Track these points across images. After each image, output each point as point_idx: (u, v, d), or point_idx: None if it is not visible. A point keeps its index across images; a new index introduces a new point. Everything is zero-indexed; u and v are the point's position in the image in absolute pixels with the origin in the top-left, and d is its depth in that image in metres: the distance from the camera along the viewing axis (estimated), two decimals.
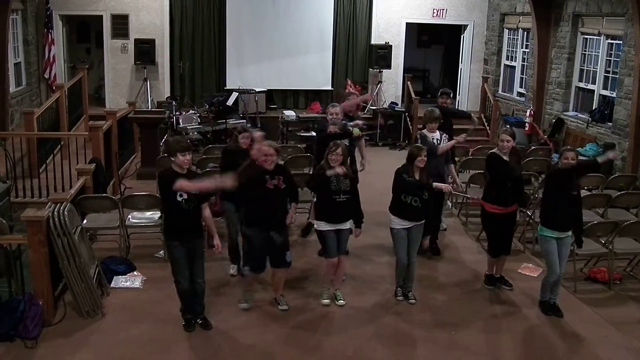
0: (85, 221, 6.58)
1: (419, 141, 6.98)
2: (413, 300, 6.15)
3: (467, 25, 14.47)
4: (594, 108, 10.77)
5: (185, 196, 5.20)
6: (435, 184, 5.93)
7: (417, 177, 5.87)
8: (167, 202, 5.37)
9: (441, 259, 7.24)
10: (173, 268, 5.43)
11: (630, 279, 6.89)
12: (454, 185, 7.29)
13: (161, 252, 6.91)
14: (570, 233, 5.90)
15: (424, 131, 7.10)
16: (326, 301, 6.02)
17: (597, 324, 5.89)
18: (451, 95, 8.15)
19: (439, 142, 7.01)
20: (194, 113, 11.76)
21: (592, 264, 7.02)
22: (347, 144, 6.55)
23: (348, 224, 5.93)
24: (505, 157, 6.18)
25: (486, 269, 6.63)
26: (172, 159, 5.30)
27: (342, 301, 6.04)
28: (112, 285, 6.19)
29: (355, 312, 5.93)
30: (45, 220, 5.29)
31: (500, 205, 6.21)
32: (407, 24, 14.22)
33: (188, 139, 10.23)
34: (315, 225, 6.03)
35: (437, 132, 7.07)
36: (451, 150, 7.29)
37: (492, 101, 13.12)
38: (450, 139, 7.19)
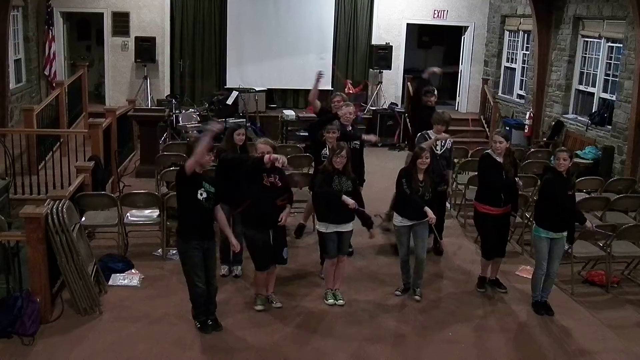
0: (83, 219, 6.58)
1: (417, 140, 6.96)
2: (418, 297, 6.19)
3: (468, 26, 14.46)
4: (593, 111, 10.77)
5: (205, 195, 5.14)
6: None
7: (420, 177, 5.96)
8: (186, 200, 5.20)
9: (439, 259, 7.24)
10: (190, 271, 5.24)
11: (627, 282, 6.90)
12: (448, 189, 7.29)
13: (159, 250, 6.91)
14: (564, 233, 5.92)
15: (429, 132, 7.01)
16: (331, 301, 6.03)
17: (594, 327, 5.90)
18: (435, 92, 8.02)
19: (442, 145, 7.02)
20: (194, 111, 11.76)
21: (589, 266, 7.03)
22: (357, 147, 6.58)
23: (350, 226, 5.95)
24: (498, 159, 6.16)
25: (480, 271, 6.63)
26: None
27: (341, 301, 6.05)
28: (110, 283, 6.19)
29: (355, 311, 5.94)
30: (43, 217, 5.28)
31: (493, 205, 6.21)
32: (407, 24, 14.21)
33: (187, 138, 10.32)
34: (317, 226, 6.02)
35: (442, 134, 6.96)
36: (449, 154, 7.21)
37: (491, 103, 13.12)
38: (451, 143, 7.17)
